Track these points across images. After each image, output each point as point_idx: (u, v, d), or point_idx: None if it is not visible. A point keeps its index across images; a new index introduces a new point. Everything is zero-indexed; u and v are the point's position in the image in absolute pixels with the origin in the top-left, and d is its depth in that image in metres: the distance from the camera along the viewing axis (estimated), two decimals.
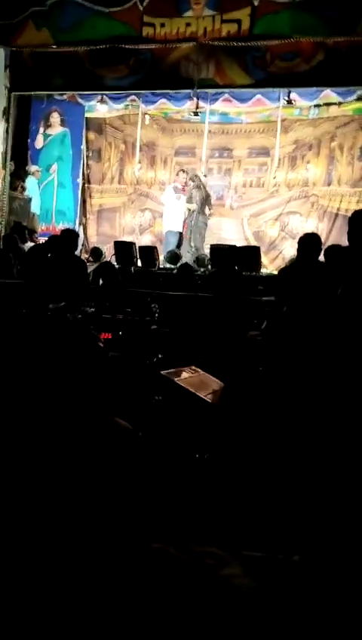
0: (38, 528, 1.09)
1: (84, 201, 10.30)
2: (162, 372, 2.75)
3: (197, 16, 7.77)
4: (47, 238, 6.77)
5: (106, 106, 9.16)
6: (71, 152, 9.93)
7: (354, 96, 7.96)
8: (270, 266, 9.16)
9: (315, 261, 4.26)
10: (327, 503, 1.72)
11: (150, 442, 1.40)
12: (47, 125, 9.87)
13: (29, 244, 7.47)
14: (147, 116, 9.87)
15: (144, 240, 10.18)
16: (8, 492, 1.19)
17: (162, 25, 7.91)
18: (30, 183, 9.54)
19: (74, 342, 1.47)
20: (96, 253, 8.22)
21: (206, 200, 9.11)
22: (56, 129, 9.91)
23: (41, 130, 9.85)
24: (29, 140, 9.81)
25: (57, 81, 8.58)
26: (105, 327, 4.08)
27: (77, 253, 6.58)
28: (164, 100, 8.64)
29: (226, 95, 8.22)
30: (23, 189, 9.38)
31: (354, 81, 7.39)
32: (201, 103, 8.33)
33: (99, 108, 9.26)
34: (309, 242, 4.31)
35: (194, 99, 8.20)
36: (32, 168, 9.67)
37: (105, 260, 7.82)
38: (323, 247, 4.59)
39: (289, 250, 9.10)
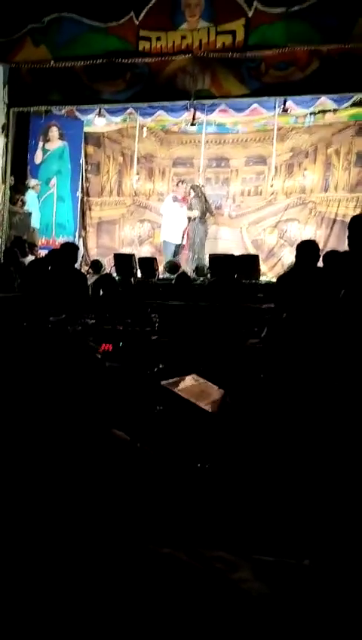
0: (36, 538, 1.09)
1: (83, 214, 10.36)
2: (162, 382, 2.75)
3: (192, 28, 7.86)
4: (47, 252, 6.80)
5: (104, 120, 9.24)
6: (70, 166, 10.00)
7: (349, 103, 8.02)
8: (269, 273, 9.18)
9: (314, 267, 4.27)
10: (330, 508, 1.71)
11: (148, 453, 1.40)
12: (46, 140, 9.96)
13: (30, 258, 7.51)
14: (145, 129, 9.96)
15: (143, 251, 10.22)
16: (6, 502, 1.19)
17: (158, 38, 8.00)
18: (30, 197, 9.60)
19: (71, 353, 1.47)
20: (96, 265, 8.26)
21: (207, 209, 9.20)
22: (55, 143, 10.00)
23: (40, 144, 9.94)
24: (28, 155, 9.90)
25: (55, 96, 8.67)
26: (106, 338, 4.08)
27: (77, 265, 6.61)
28: (161, 112, 8.72)
29: (223, 106, 8.29)
30: (23, 203, 9.44)
31: (348, 87, 7.45)
32: (198, 114, 8.40)
33: (98, 122, 9.35)
34: (307, 249, 4.32)
35: (191, 110, 8.27)
36: (32, 182, 9.74)
37: (105, 272, 7.85)
38: (322, 253, 4.60)
39: (288, 257, 9.13)
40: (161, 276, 8.06)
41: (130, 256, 8.19)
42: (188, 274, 7.23)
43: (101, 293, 5.50)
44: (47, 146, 9.96)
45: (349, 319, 3.39)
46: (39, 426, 1.46)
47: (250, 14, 7.47)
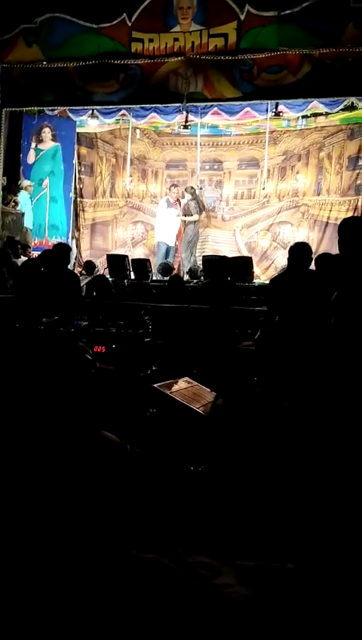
0: (26, 540, 1.09)
1: (76, 215, 10.34)
2: (155, 385, 2.75)
3: (184, 31, 7.87)
4: (39, 253, 6.78)
5: (97, 121, 9.24)
6: (63, 167, 9.98)
7: (341, 106, 8.07)
8: (262, 276, 9.22)
9: (306, 270, 4.28)
10: (323, 511, 1.72)
11: (139, 455, 1.40)
12: (39, 140, 9.93)
13: (23, 259, 7.48)
14: (138, 130, 9.96)
15: (137, 253, 10.23)
16: None
17: (150, 40, 8.01)
18: (22, 197, 9.57)
19: (61, 354, 1.47)
20: (89, 266, 8.24)
21: (201, 209, 9.25)
22: (48, 144, 9.97)
23: (33, 145, 9.91)
24: (21, 155, 9.86)
25: (48, 96, 8.65)
26: (99, 340, 4.07)
27: (70, 267, 6.59)
28: (154, 114, 8.73)
29: (215, 108, 8.31)
30: (16, 203, 9.40)
31: (340, 91, 7.50)
32: (191, 117, 8.42)
33: (90, 123, 9.34)
34: (300, 251, 4.33)
35: (184, 112, 8.28)
36: (25, 183, 9.71)
37: (98, 273, 7.83)
38: (314, 256, 4.62)
39: (281, 259, 9.17)
40: (154, 278, 8.06)
41: (124, 258, 8.19)
42: (181, 276, 7.24)
43: (94, 294, 5.48)
44: (40, 146, 9.94)
45: (342, 322, 3.40)
46: (29, 427, 1.45)
47: (242, 17, 7.50)
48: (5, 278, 5.87)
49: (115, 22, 8.02)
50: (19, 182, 9.71)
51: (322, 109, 8.32)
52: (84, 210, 10.50)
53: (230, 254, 8.57)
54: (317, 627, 0.99)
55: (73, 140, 9.99)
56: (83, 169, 10.43)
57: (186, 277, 8.13)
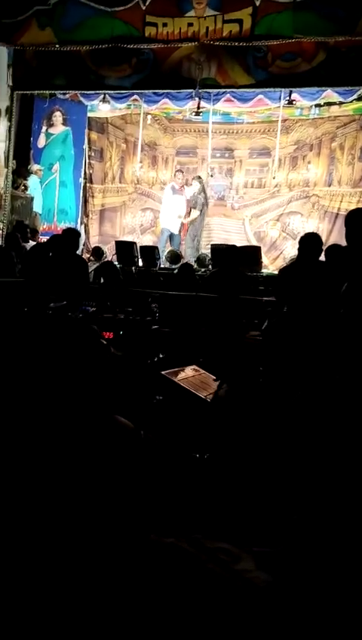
0: (39, 527, 1.10)
1: (85, 201, 10.31)
2: (163, 372, 2.76)
3: (199, 16, 7.77)
4: (48, 238, 6.78)
5: (108, 106, 9.17)
6: (73, 152, 9.94)
7: (355, 96, 7.97)
8: (271, 266, 9.18)
9: (316, 261, 4.26)
10: (327, 500, 1.73)
11: (152, 441, 1.41)
12: (50, 124, 9.88)
13: (31, 243, 7.48)
14: (149, 116, 9.89)
15: (145, 240, 10.20)
16: (8, 489, 1.20)
17: (164, 25, 7.91)
18: (32, 181, 9.55)
19: (76, 338, 1.48)
20: (97, 252, 8.24)
21: (205, 204, 9.17)
22: (59, 128, 9.92)
23: (44, 129, 9.86)
24: (31, 139, 9.82)
25: (60, 80, 8.59)
26: (107, 326, 4.09)
27: (78, 252, 6.59)
28: (166, 100, 8.65)
29: (228, 95, 8.23)
30: (25, 187, 9.38)
31: (354, 80, 7.40)
32: (203, 103, 8.34)
33: (102, 107, 9.27)
34: (310, 242, 4.32)
35: (196, 99, 8.21)
36: (35, 167, 9.68)
37: (106, 259, 7.83)
38: (324, 247, 4.60)
39: (290, 250, 9.12)
40: (162, 265, 8.05)
41: (132, 244, 8.18)
42: (191, 264, 7.22)
43: (102, 280, 5.49)
44: (51, 130, 9.89)
45: (351, 313, 3.39)
46: (42, 412, 1.47)
47: (258, 3, 7.39)
48: (14, 262, 5.88)
49: (128, 5, 7.92)
50: (29, 166, 9.68)
51: (336, 98, 8.22)
52: (93, 196, 10.46)
53: (239, 243, 8.52)
54: (335, 615, 1.00)
55: (84, 125, 9.94)
56: (93, 154, 10.38)
57: (194, 265, 8.11)
